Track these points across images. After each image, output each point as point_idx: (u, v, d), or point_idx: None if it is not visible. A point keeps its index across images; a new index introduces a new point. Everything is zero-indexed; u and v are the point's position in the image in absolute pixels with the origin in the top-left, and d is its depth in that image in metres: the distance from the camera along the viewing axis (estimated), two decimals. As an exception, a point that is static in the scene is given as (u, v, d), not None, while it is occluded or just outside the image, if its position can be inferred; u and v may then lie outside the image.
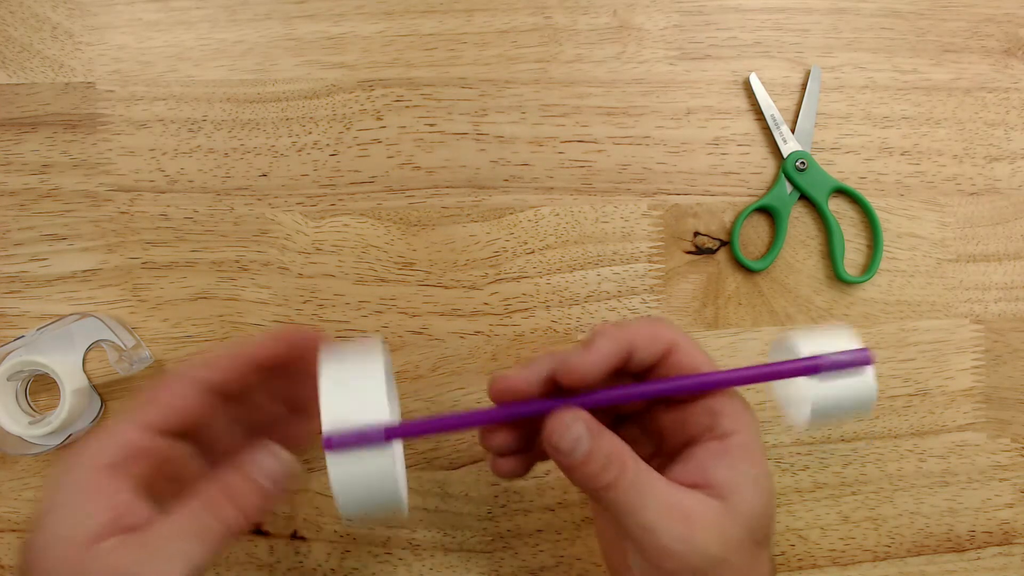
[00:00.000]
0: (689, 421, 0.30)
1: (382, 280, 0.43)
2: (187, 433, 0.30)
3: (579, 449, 0.28)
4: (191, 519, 0.27)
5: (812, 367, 0.30)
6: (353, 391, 0.28)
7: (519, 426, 0.31)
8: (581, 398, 0.29)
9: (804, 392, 0.31)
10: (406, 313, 0.43)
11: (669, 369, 0.30)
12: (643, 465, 0.29)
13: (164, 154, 0.42)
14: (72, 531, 0.27)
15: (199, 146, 0.42)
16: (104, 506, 0.27)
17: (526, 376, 0.29)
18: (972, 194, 0.46)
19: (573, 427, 0.28)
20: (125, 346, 0.39)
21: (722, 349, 0.44)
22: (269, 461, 0.29)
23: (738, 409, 0.30)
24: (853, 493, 0.45)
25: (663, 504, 0.28)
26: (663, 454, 0.32)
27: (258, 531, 0.42)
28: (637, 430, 0.33)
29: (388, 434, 0.27)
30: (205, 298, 0.42)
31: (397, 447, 0.31)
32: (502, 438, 0.31)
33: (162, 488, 0.30)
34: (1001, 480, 0.46)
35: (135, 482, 0.29)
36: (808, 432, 0.45)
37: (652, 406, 0.33)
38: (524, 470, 0.32)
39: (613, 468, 0.28)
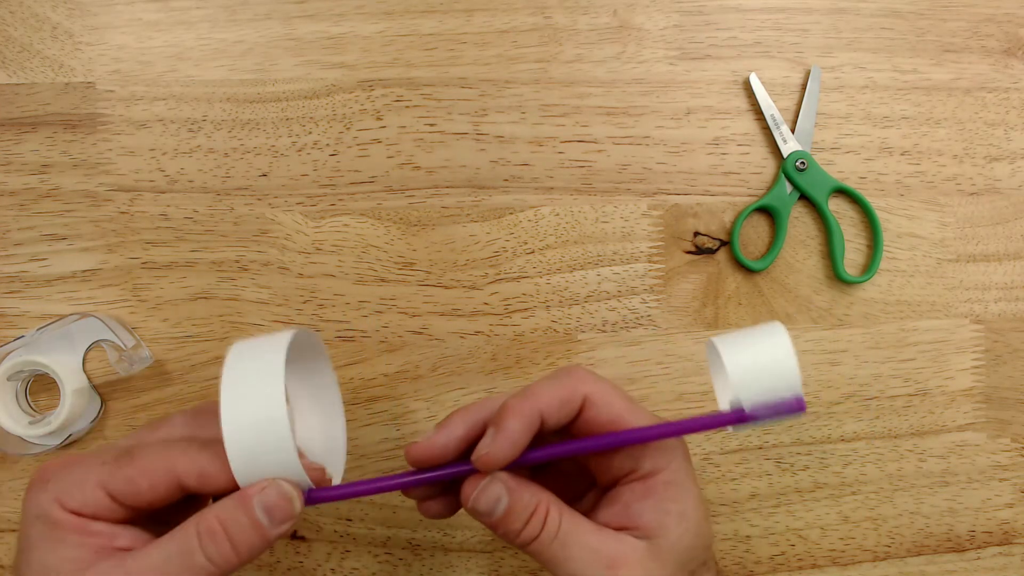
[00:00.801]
0: (616, 465, 0.30)
1: (382, 280, 0.43)
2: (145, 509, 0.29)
3: (498, 509, 0.28)
4: (182, 549, 0.26)
5: (741, 419, 0.30)
6: (258, 441, 0.27)
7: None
8: None
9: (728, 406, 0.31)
10: (406, 313, 0.43)
11: (586, 424, 0.30)
12: (568, 514, 0.29)
13: (164, 154, 0.42)
14: (59, 563, 0.26)
15: (199, 146, 0.42)
16: (84, 535, 0.27)
17: (441, 442, 0.29)
18: (972, 194, 0.46)
19: (490, 488, 0.28)
20: (125, 346, 0.39)
21: (722, 349, 0.44)
22: (275, 497, 0.27)
23: (662, 446, 0.30)
24: (853, 493, 0.45)
25: (588, 552, 0.28)
26: (597, 489, 0.32)
27: (258, 531, 0.42)
28: (571, 466, 0.33)
29: (308, 499, 0.28)
30: (205, 298, 0.42)
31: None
32: (422, 488, 0.31)
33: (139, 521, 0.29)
34: (1001, 480, 0.46)
35: (107, 522, 0.28)
36: (809, 434, 0.45)
37: None
38: (451, 511, 0.32)
39: (535, 522, 0.28)
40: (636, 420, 0.30)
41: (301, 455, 0.28)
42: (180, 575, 0.26)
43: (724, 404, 0.32)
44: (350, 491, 0.29)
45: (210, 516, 0.27)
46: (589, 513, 0.30)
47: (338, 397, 0.36)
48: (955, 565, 0.45)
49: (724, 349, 0.30)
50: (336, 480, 0.34)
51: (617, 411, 0.30)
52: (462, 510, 0.31)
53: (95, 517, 0.27)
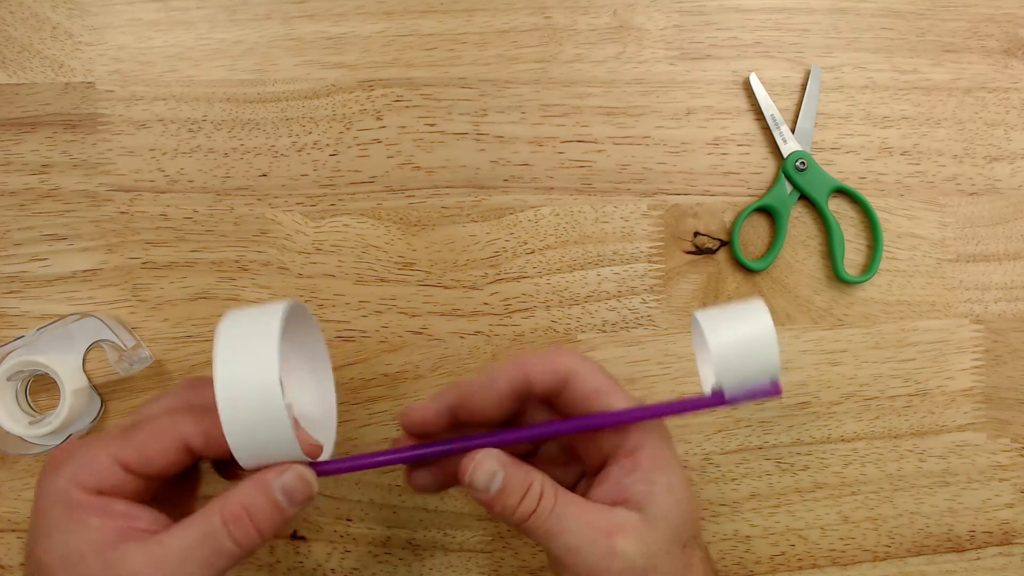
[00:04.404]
0: (602, 444, 0.31)
1: (382, 280, 0.43)
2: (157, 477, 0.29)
3: (494, 484, 0.29)
4: (207, 533, 0.27)
5: (719, 402, 0.31)
6: (251, 407, 0.27)
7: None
8: (489, 436, 0.31)
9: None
10: (406, 313, 0.43)
11: (571, 398, 0.31)
12: (561, 491, 0.30)
13: (164, 154, 0.42)
14: (82, 544, 0.27)
15: (199, 146, 0.42)
16: (105, 517, 0.27)
17: (434, 408, 0.30)
18: (972, 194, 0.46)
19: (486, 462, 0.29)
20: (125, 346, 0.39)
21: (722, 349, 0.44)
22: (293, 479, 0.28)
23: (643, 425, 0.31)
24: (853, 493, 0.45)
25: (583, 525, 0.29)
26: (589, 474, 0.33)
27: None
28: (560, 456, 0.34)
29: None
30: (205, 298, 0.42)
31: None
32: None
33: (151, 502, 0.30)
34: (1001, 480, 0.46)
35: (124, 498, 0.28)
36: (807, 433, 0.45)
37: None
38: (440, 486, 0.33)
39: (530, 499, 0.29)
40: (618, 398, 0.31)
41: (297, 427, 0.29)
42: (208, 559, 0.27)
43: (705, 377, 0.34)
44: (350, 465, 0.30)
45: (233, 502, 0.28)
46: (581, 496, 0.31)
47: (329, 367, 0.36)
48: (955, 565, 0.45)
49: (708, 329, 0.31)
50: (328, 448, 0.34)
51: (601, 387, 0.31)
52: (445, 494, 0.32)
53: (112, 493, 0.28)
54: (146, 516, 0.28)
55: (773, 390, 0.31)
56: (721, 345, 0.31)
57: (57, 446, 0.40)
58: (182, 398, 0.31)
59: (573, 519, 0.29)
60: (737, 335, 0.31)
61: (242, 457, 0.28)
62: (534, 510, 0.29)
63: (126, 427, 0.29)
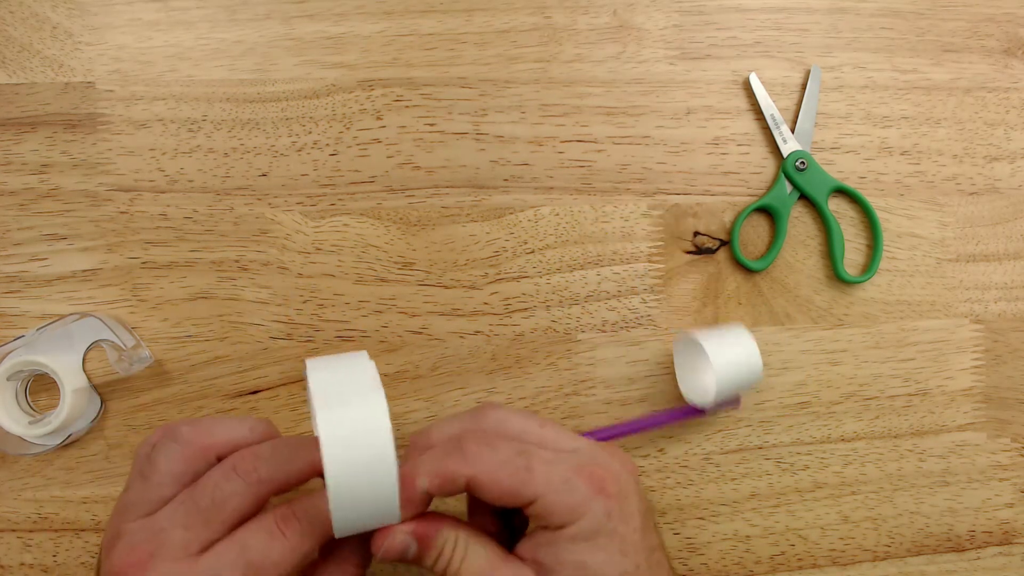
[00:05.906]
0: (527, 512, 0.32)
1: (382, 280, 0.43)
2: None
3: (410, 552, 0.31)
4: None
5: (698, 414, 0.41)
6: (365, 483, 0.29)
7: None
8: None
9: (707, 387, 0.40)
10: (406, 313, 0.43)
11: (483, 498, 0.31)
12: (475, 544, 0.32)
13: (164, 154, 0.42)
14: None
15: (199, 146, 0.42)
16: None
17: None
18: (972, 194, 0.46)
19: (397, 538, 0.31)
20: (125, 346, 0.39)
21: (722, 349, 0.44)
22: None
23: (572, 504, 0.31)
24: (853, 493, 0.45)
25: (481, 571, 0.31)
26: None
27: (258, 531, 0.42)
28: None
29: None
30: (205, 298, 0.42)
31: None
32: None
33: None
34: (1001, 480, 0.46)
35: None
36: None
37: None
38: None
39: (443, 559, 0.31)
40: (528, 489, 0.30)
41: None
42: None
43: (690, 389, 0.42)
44: None
45: None
46: (515, 539, 0.33)
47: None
48: (955, 565, 0.45)
49: (712, 352, 0.38)
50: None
51: (506, 489, 0.31)
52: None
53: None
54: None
55: (736, 403, 0.42)
56: (723, 367, 0.38)
57: (46, 456, 0.40)
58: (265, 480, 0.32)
59: (477, 570, 0.31)
60: (736, 360, 0.38)
61: (340, 531, 0.29)
62: (445, 569, 0.31)
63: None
